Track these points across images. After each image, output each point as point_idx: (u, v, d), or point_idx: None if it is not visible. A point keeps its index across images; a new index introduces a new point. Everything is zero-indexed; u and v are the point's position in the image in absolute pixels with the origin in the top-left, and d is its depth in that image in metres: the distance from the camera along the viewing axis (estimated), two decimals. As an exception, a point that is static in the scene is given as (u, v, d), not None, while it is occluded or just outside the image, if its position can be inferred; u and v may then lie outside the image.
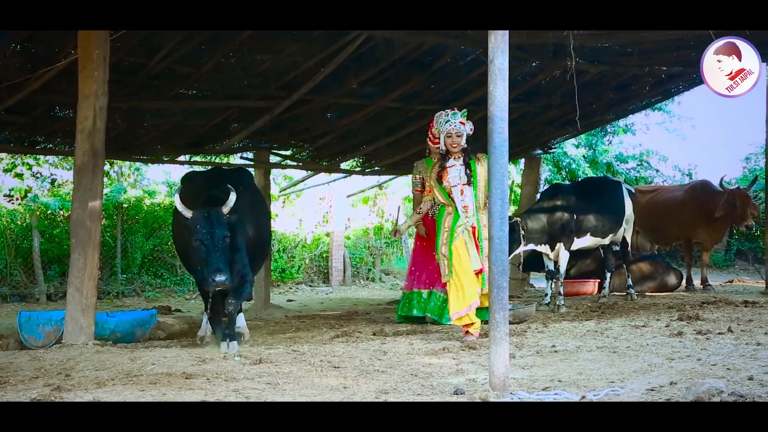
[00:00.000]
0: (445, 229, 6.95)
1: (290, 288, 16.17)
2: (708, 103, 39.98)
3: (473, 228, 6.84)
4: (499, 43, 4.34)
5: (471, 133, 6.93)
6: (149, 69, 8.99)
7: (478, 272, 6.82)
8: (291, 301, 13.74)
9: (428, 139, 7.20)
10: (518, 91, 10.83)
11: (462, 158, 6.88)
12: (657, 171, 21.79)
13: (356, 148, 13.04)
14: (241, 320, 7.59)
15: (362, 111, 11.14)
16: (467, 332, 6.94)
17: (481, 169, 6.82)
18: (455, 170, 6.88)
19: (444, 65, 10.23)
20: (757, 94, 17.14)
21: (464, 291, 6.83)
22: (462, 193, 6.86)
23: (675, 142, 27.35)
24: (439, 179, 6.96)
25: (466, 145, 6.88)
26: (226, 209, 6.49)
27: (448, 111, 6.97)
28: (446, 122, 6.88)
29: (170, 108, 10.34)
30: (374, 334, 7.48)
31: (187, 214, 6.43)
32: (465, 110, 6.99)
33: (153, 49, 8.65)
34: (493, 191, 4.38)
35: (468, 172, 6.84)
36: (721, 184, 12.17)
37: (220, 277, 6.29)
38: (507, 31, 4.34)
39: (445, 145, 6.89)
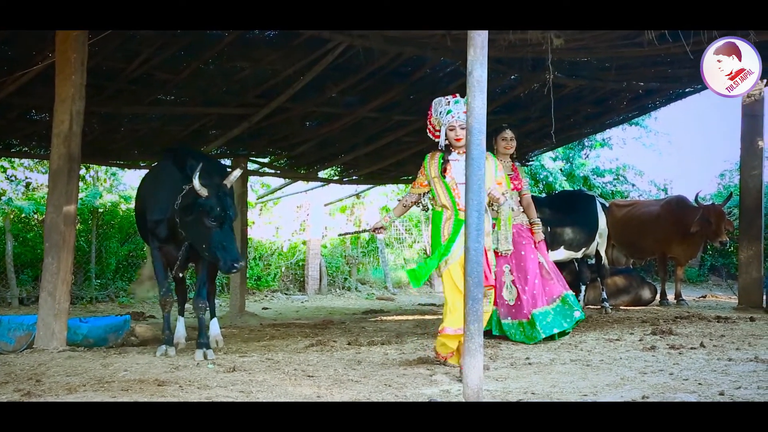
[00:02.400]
0: (444, 237, 5.78)
1: (266, 296, 16.12)
2: (684, 119, 40.51)
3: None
4: (477, 55, 4.35)
5: None
6: (127, 74, 8.95)
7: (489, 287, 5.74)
8: (266, 308, 13.69)
9: (428, 131, 6.00)
10: (497, 103, 10.88)
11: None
12: (633, 185, 22.00)
13: (334, 157, 13.05)
14: (215, 327, 7.55)
15: (341, 120, 11.15)
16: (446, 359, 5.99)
17: (488, 165, 5.46)
18: (459, 166, 5.62)
19: (423, 76, 10.26)
20: (732, 111, 17.25)
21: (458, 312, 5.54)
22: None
23: (651, 157, 27.70)
24: (443, 174, 5.78)
25: None
26: (228, 184, 6.51)
27: (449, 98, 5.83)
28: (448, 113, 5.74)
29: (148, 113, 10.30)
30: (349, 344, 7.47)
31: (204, 192, 6.29)
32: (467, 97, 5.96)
33: (131, 54, 8.61)
34: (470, 203, 4.39)
35: None
36: (696, 200, 12.28)
37: (241, 263, 6.39)
38: (486, 45, 4.36)
39: (447, 138, 5.77)
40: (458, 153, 5.72)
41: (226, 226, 6.35)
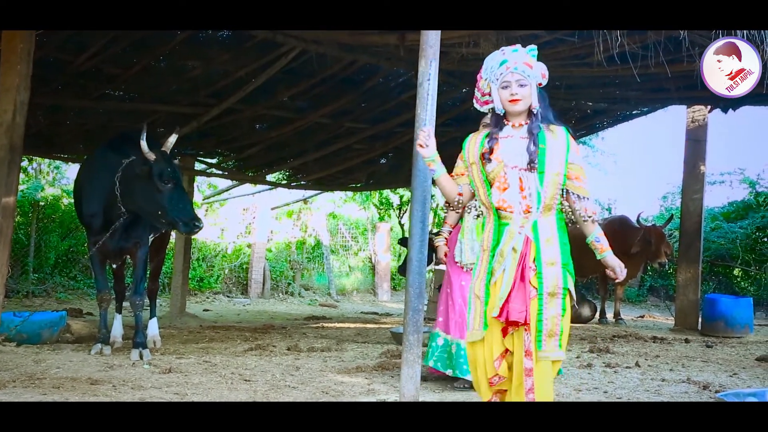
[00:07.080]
0: (483, 250, 3.92)
1: (207, 297, 15.96)
2: (630, 140, 41.19)
3: (527, 241, 3.89)
4: (428, 66, 4.38)
5: (545, 82, 3.91)
6: (75, 67, 8.80)
7: (509, 324, 3.80)
8: (207, 311, 13.56)
9: (474, 100, 4.07)
10: (447, 115, 10.92)
11: (528, 126, 3.85)
12: (578, 203, 22.27)
13: (283, 161, 12.99)
14: (154, 327, 7.46)
15: (291, 124, 11.10)
16: None
17: (554, 143, 3.81)
18: (512, 144, 3.83)
19: (376, 85, 10.27)
20: (677, 135, 17.60)
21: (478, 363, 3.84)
22: (521, 183, 3.80)
23: (597, 176, 28.06)
24: (485, 156, 3.87)
25: (537, 106, 3.84)
26: (167, 149, 6.46)
27: (505, 48, 3.94)
28: (501, 63, 3.84)
29: (95, 108, 10.14)
30: (288, 349, 7.43)
31: (152, 156, 6.23)
32: (534, 46, 3.97)
33: (80, 47, 8.47)
34: (414, 214, 4.41)
35: (534, 148, 3.78)
36: (638, 221, 12.47)
37: (201, 222, 6.23)
38: (437, 57, 4.39)
39: (500, 100, 3.85)
40: (513, 126, 3.87)
41: (179, 187, 6.26)
